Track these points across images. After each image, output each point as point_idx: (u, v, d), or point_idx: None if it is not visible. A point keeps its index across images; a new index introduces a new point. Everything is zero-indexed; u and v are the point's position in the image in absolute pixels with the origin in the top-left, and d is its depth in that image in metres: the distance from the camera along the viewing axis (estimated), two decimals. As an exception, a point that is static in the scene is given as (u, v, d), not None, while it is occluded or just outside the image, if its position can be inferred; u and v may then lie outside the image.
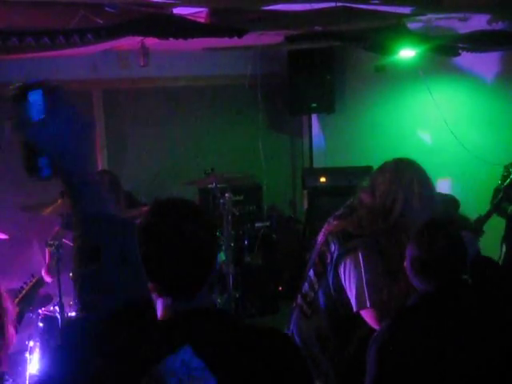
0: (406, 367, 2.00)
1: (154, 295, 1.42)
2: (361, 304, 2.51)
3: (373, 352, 2.04)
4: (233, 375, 1.33)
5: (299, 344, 2.70)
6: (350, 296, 2.56)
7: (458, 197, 3.89)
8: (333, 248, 2.59)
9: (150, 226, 1.46)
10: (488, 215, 3.70)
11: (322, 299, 2.68)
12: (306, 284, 2.75)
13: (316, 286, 2.69)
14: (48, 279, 4.59)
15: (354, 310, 2.54)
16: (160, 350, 1.30)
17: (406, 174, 2.54)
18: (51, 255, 3.80)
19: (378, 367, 2.01)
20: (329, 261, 2.61)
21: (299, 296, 2.79)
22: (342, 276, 2.57)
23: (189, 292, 1.46)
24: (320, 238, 2.71)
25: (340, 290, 2.60)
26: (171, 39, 3.52)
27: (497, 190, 4.11)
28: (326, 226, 2.71)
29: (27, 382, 3.81)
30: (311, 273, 2.72)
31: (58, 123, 1.17)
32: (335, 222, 2.66)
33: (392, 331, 2.08)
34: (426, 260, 2.05)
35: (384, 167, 2.64)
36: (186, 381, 1.29)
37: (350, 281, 2.54)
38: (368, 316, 2.53)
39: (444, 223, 2.17)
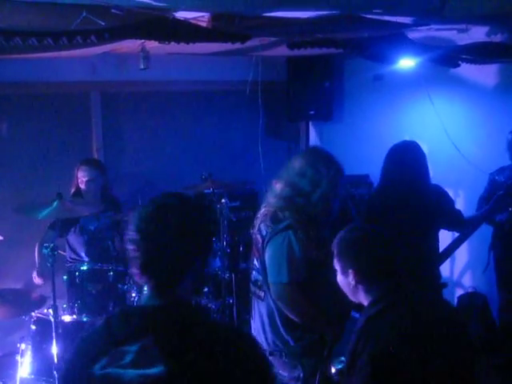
0: None
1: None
2: (279, 277, 2.78)
3: None
4: (182, 366, 1.44)
5: (260, 327, 3.01)
6: (267, 267, 2.83)
7: (457, 207, 3.89)
8: (264, 231, 2.88)
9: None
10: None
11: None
12: (254, 272, 3.01)
13: (261, 270, 2.93)
14: (39, 281, 4.54)
15: (269, 280, 2.81)
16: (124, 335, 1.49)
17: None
18: (45, 258, 3.75)
19: None
20: (260, 245, 2.90)
21: (251, 284, 3.06)
22: (267, 250, 2.84)
23: (163, 285, 1.59)
24: (253, 230, 3.04)
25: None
26: (173, 43, 3.50)
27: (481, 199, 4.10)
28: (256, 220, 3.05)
29: (18, 384, 3.76)
30: (255, 261, 3.00)
31: None
32: (263, 210, 3.02)
33: None
34: None
35: None
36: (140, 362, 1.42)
37: (270, 254, 2.82)
38: (281, 290, 2.78)
39: None
